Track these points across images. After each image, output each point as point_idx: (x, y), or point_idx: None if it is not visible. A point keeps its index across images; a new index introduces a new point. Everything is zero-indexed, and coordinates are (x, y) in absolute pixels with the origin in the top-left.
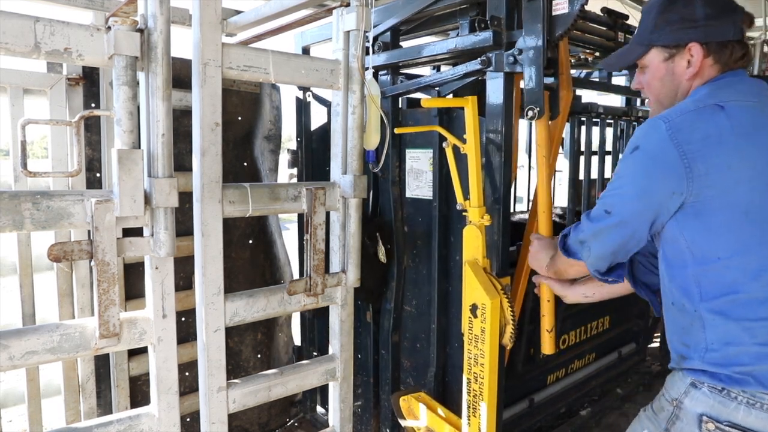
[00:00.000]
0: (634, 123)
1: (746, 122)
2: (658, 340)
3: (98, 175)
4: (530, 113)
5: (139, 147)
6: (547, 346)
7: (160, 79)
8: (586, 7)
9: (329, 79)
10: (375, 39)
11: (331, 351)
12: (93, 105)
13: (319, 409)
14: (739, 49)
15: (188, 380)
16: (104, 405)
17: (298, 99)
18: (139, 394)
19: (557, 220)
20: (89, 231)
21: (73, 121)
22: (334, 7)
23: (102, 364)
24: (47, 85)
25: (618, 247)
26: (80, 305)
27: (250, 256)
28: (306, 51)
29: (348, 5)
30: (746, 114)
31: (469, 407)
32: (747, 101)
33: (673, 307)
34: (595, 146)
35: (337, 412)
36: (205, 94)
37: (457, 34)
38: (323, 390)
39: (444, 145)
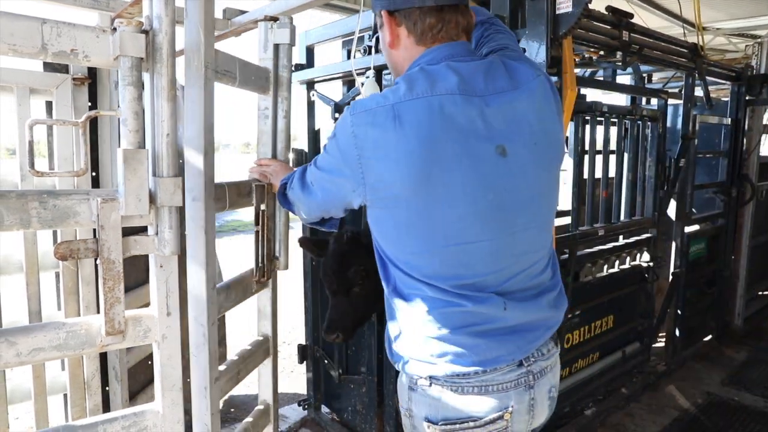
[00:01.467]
0: (639, 122)
1: (425, 130)
2: (663, 339)
3: (94, 174)
4: None
5: (144, 147)
6: None
7: (165, 79)
8: (590, 6)
9: (264, 85)
10: (378, 38)
11: (262, 332)
12: (90, 105)
13: (324, 408)
14: (430, 18)
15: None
16: (107, 400)
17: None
18: (132, 384)
19: (563, 223)
20: (94, 230)
21: (80, 121)
22: (260, 20)
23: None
24: (53, 85)
25: (322, 213)
26: (85, 303)
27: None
28: (310, 50)
29: (276, 20)
30: (426, 116)
31: None
32: (437, 95)
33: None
34: (599, 145)
35: (268, 386)
36: (206, 95)
37: None
38: (328, 388)
39: None
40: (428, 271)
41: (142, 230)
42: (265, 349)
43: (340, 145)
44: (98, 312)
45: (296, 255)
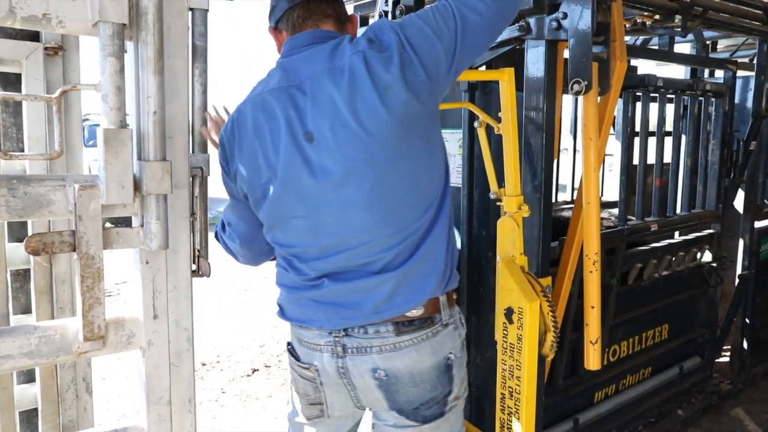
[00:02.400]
0: (700, 98)
1: (252, 125)
2: (728, 354)
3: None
4: (576, 87)
5: (127, 126)
6: (592, 361)
7: (151, 49)
8: None
9: None
10: (396, 2)
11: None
12: None
13: None
14: (298, 10)
15: None
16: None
17: None
18: None
19: (606, 215)
20: (70, 220)
21: (54, 96)
22: None
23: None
24: (22, 55)
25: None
26: (60, 304)
27: None
28: None
29: None
30: (252, 113)
31: (502, 427)
32: (264, 93)
33: None
34: (652, 126)
35: None
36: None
37: None
38: None
39: (476, 124)
40: (272, 238)
41: (125, 221)
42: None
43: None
44: (74, 314)
45: None
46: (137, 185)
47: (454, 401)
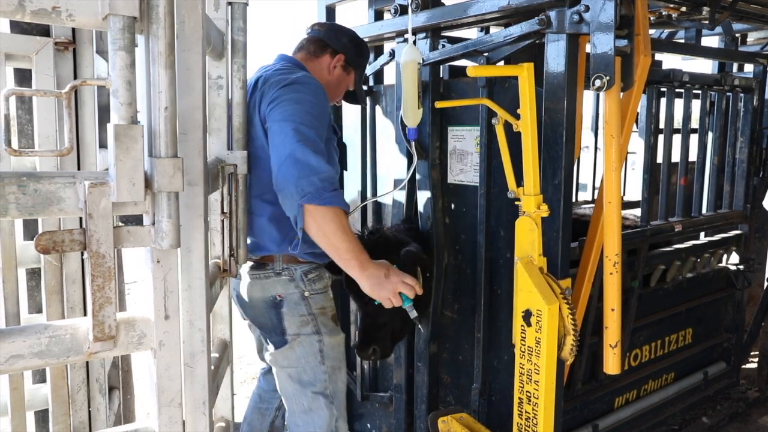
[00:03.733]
0: (728, 93)
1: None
2: (756, 360)
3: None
4: (598, 83)
5: (138, 122)
6: (611, 365)
7: (162, 43)
8: None
9: (218, 50)
10: None
11: (219, 337)
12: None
13: None
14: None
15: None
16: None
17: None
18: None
19: (630, 216)
20: (81, 219)
21: (64, 91)
22: None
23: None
24: (32, 50)
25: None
26: (70, 304)
27: None
28: (330, 11)
29: None
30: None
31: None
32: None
33: None
34: (677, 123)
35: (227, 400)
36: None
37: None
38: (347, 408)
39: (493, 121)
40: None
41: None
42: (226, 357)
43: (322, 101)
44: (85, 314)
45: None
46: (148, 182)
47: (295, 336)
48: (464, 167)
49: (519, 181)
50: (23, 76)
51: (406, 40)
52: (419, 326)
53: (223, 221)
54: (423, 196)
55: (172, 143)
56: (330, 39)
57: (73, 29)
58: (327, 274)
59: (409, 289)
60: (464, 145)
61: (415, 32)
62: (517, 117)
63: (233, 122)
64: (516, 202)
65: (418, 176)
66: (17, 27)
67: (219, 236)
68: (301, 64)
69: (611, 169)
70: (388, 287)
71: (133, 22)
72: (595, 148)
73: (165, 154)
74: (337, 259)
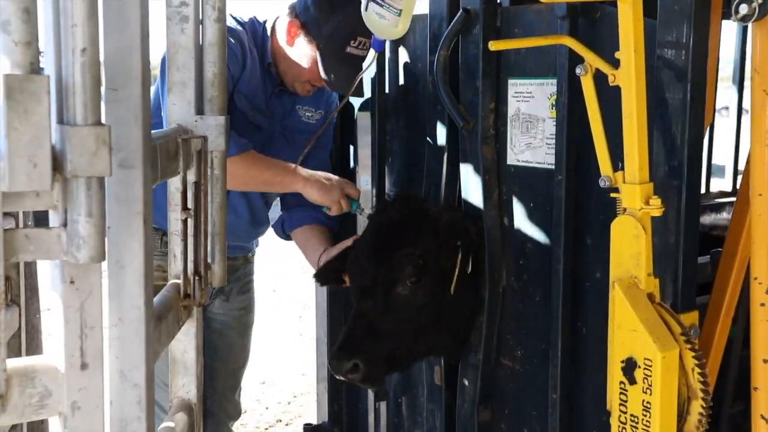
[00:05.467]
0: None
1: None
2: None
3: None
4: (744, 9)
5: (42, 71)
6: None
7: None
8: None
9: None
10: None
11: (180, 395)
12: None
13: None
14: None
15: None
16: None
17: None
18: None
19: None
20: None
21: None
22: None
23: None
24: None
25: None
26: None
27: None
28: None
29: None
30: None
31: None
32: None
33: None
34: None
35: None
36: None
37: None
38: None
39: (578, 71)
40: None
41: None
42: (193, 428)
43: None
44: None
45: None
46: (57, 163)
47: None
48: (532, 141)
49: (616, 162)
50: None
51: None
52: (361, 214)
53: (185, 222)
54: (469, 184)
55: (94, 104)
56: None
57: None
58: None
59: (354, 190)
60: (533, 107)
61: None
62: (616, 65)
63: (205, 73)
64: (611, 194)
65: (462, 155)
66: None
67: (180, 245)
68: (260, 28)
69: (764, 143)
70: (335, 190)
71: None
72: (739, 110)
73: (83, 121)
74: (278, 187)
